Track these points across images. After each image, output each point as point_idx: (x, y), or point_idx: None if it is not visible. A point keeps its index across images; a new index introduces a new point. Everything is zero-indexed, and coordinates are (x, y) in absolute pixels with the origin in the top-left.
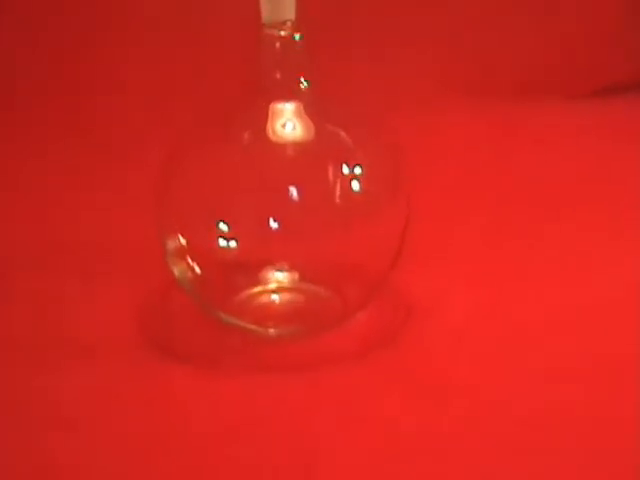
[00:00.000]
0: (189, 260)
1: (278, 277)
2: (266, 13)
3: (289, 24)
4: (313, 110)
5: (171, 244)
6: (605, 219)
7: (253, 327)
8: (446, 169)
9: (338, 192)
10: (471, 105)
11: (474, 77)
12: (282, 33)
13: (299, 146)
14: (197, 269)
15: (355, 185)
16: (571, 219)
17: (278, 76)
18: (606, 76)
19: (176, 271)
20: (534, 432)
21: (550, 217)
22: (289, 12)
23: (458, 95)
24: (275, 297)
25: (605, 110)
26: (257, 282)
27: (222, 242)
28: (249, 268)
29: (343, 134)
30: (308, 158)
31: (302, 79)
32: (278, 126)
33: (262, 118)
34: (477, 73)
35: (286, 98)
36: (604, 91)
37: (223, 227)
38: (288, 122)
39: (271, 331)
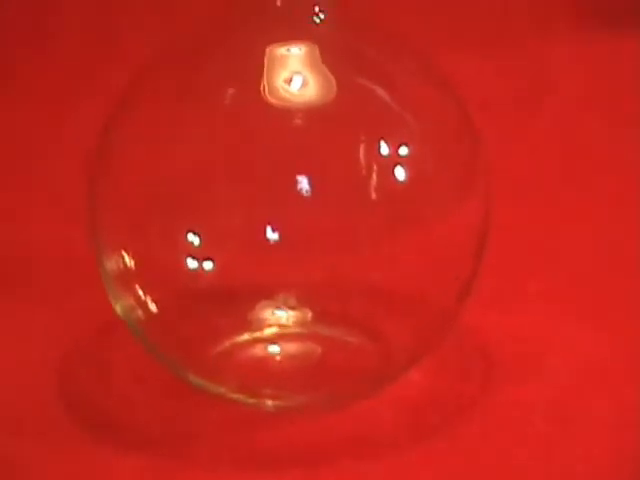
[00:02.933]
0: (139, 291)
1: (279, 317)
2: None
3: None
4: (334, 56)
5: (111, 265)
6: None
7: (240, 397)
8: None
9: (374, 184)
10: None
11: None
12: None
13: (312, 113)
14: (152, 305)
15: (400, 173)
16: None
17: (279, 2)
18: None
19: (119, 308)
20: None
21: None
22: None
23: None
24: (274, 349)
25: None
26: (246, 325)
27: (192, 263)
28: (234, 303)
29: (382, 93)
30: (327, 131)
31: (317, 7)
32: (280, 81)
33: (254, 69)
34: None
35: (292, 38)
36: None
37: (193, 240)
38: (295, 76)
39: (268, 403)
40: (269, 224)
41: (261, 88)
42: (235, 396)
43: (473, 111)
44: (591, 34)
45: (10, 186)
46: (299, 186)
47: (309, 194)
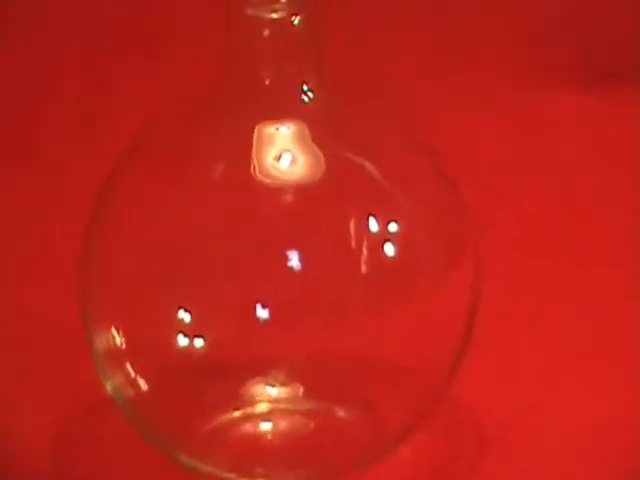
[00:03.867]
0: (129, 369)
1: (270, 393)
2: None
3: (284, 1)
4: (323, 133)
5: (101, 343)
6: None
7: (232, 476)
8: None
9: (363, 259)
10: None
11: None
12: (273, 15)
13: (302, 189)
14: (142, 383)
15: (390, 248)
16: None
17: (267, 82)
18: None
19: (109, 386)
20: None
21: None
22: None
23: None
24: (266, 426)
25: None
26: (237, 402)
27: (182, 340)
28: (224, 380)
29: (371, 168)
30: (316, 208)
31: (305, 86)
32: (269, 159)
33: (244, 146)
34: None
35: (281, 116)
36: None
37: (184, 317)
38: (284, 153)
39: None
40: (260, 300)
41: (250, 166)
42: (227, 475)
43: (465, 171)
44: (590, 92)
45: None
46: (289, 262)
47: (299, 270)
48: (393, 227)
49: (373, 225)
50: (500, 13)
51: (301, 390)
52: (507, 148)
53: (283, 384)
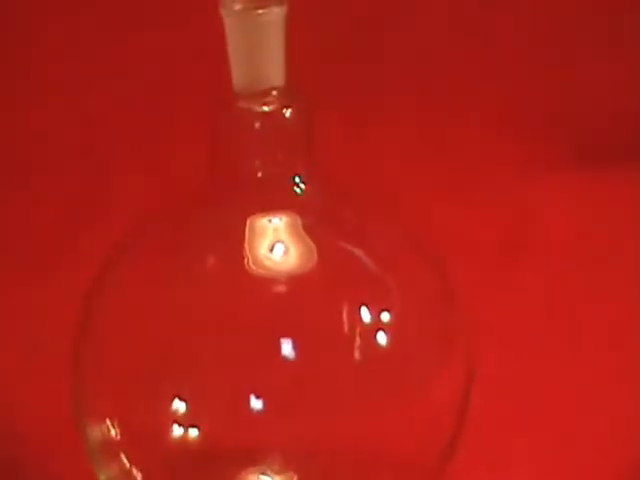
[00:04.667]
0: (124, 460)
1: None
2: (240, 77)
3: (275, 93)
4: (315, 222)
5: (96, 435)
6: None
7: None
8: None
9: (356, 348)
10: None
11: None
12: (265, 108)
13: (295, 280)
14: (137, 474)
15: (382, 338)
16: None
17: (260, 174)
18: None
19: (104, 477)
20: None
21: None
22: (275, 76)
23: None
24: None
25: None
26: None
27: (177, 430)
28: (219, 470)
29: (363, 258)
30: (309, 298)
31: (297, 178)
32: (262, 250)
33: (237, 238)
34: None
35: (273, 208)
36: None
37: (179, 407)
38: (277, 244)
39: None
40: (253, 390)
41: (244, 257)
42: None
43: (456, 258)
44: (581, 178)
45: None
46: (283, 352)
47: (293, 360)
48: (385, 316)
49: (365, 314)
50: (491, 101)
51: (295, 479)
52: (499, 236)
53: (277, 473)
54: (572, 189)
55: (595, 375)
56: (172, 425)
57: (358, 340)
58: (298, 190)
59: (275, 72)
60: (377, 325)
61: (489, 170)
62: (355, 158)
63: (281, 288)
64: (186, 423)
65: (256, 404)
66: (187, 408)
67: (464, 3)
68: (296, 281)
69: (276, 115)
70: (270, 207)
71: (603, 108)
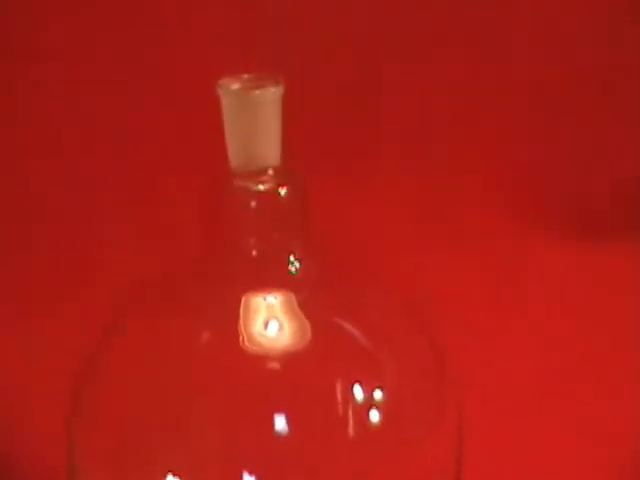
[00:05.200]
0: None
1: None
2: (236, 156)
3: (271, 172)
4: (309, 300)
5: None
6: None
7: None
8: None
9: (349, 426)
10: None
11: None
12: (260, 187)
13: (289, 356)
14: None
15: (375, 415)
16: None
17: (255, 252)
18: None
19: None
20: None
21: None
22: (271, 155)
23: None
24: None
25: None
26: None
27: None
28: None
29: (356, 333)
30: (303, 373)
31: (292, 256)
32: (256, 327)
33: (231, 314)
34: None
35: (268, 286)
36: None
37: None
38: (271, 320)
39: None
40: (246, 467)
41: (238, 333)
42: None
43: (451, 321)
44: (579, 246)
45: None
46: (276, 428)
47: (286, 436)
48: (378, 394)
49: (358, 392)
50: (491, 165)
51: None
52: (493, 300)
53: None
54: (570, 256)
55: (588, 438)
56: None
57: (351, 417)
58: (293, 269)
59: (271, 151)
60: (370, 403)
61: (487, 234)
62: (353, 222)
63: (275, 365)
64: None
65: None
66: None
67: (462, 68)
68: (290, 358)
69: (271, 194)
70: (265, 285)
71: (604, 174)
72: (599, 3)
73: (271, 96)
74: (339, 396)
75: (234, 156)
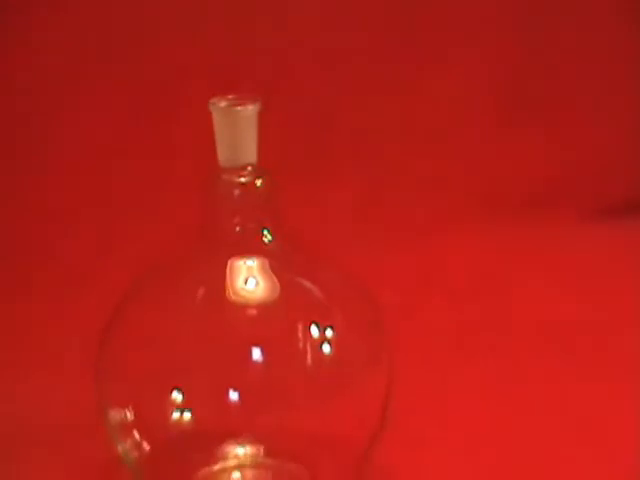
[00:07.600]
0: (136, 435)
1: (239, 452)
2: (224, 156)
3: (250, 169)
4: (279, 265)
5: (115, 417)
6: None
7: None
8: (438, 315)
9: (308, 356)
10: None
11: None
12: (242, 179)
13: (263, 305)
14: (145, 446)
15: (326, 348)
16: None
17: (238, 228)
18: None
19: (120, 448)
20: None
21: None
22: (250, 155)
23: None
24: (236, 475)
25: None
26: (215, 459)
27: (175, 414)
28: (206, 443)
29: (314, 290)
30: (274, 318)
31: (266, 231)
32: (238, 284)
33: (219, 275)
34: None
35: (248, 253)
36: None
37: (176, 397)
38: (250, 278)
39: None
40: (232, 385)
41: (225, 289)
42: None
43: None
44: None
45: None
46: (254, 358)
47: (260, 364)
48: (329, 332)
49: (314, 330)
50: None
51: (262, 450)
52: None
53: (248, 444)
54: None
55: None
56: (172, 410)
57: (309, 349)
58: (266, 240)
59: (250, 152)
60: (323, 338)
61: (414, 227)
62: (311, 214)
63: (253, 311)
64: (182, 408)
65: (234, 395)
66: (183, 398)
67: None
68: (264, 306)
69: (251, 185)
70: (245, 252)
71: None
72: None
73: (250, 112)
74: (300, 333)
75: (222, 156)
